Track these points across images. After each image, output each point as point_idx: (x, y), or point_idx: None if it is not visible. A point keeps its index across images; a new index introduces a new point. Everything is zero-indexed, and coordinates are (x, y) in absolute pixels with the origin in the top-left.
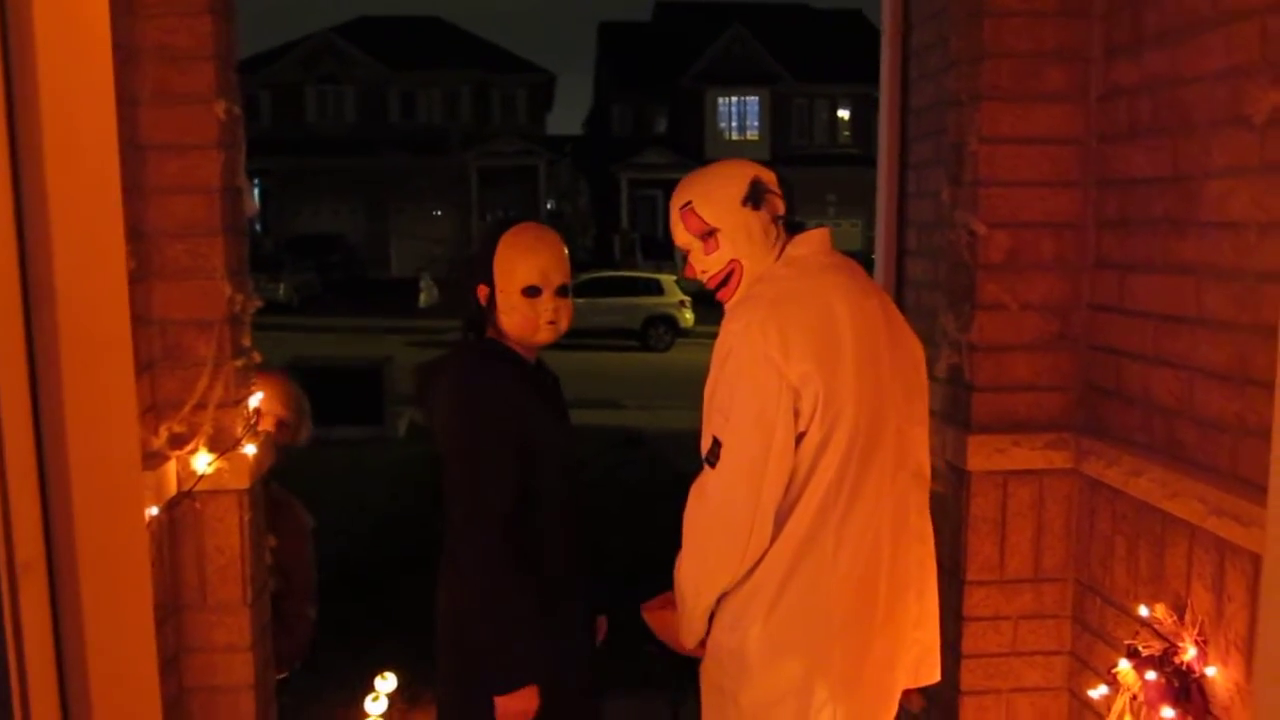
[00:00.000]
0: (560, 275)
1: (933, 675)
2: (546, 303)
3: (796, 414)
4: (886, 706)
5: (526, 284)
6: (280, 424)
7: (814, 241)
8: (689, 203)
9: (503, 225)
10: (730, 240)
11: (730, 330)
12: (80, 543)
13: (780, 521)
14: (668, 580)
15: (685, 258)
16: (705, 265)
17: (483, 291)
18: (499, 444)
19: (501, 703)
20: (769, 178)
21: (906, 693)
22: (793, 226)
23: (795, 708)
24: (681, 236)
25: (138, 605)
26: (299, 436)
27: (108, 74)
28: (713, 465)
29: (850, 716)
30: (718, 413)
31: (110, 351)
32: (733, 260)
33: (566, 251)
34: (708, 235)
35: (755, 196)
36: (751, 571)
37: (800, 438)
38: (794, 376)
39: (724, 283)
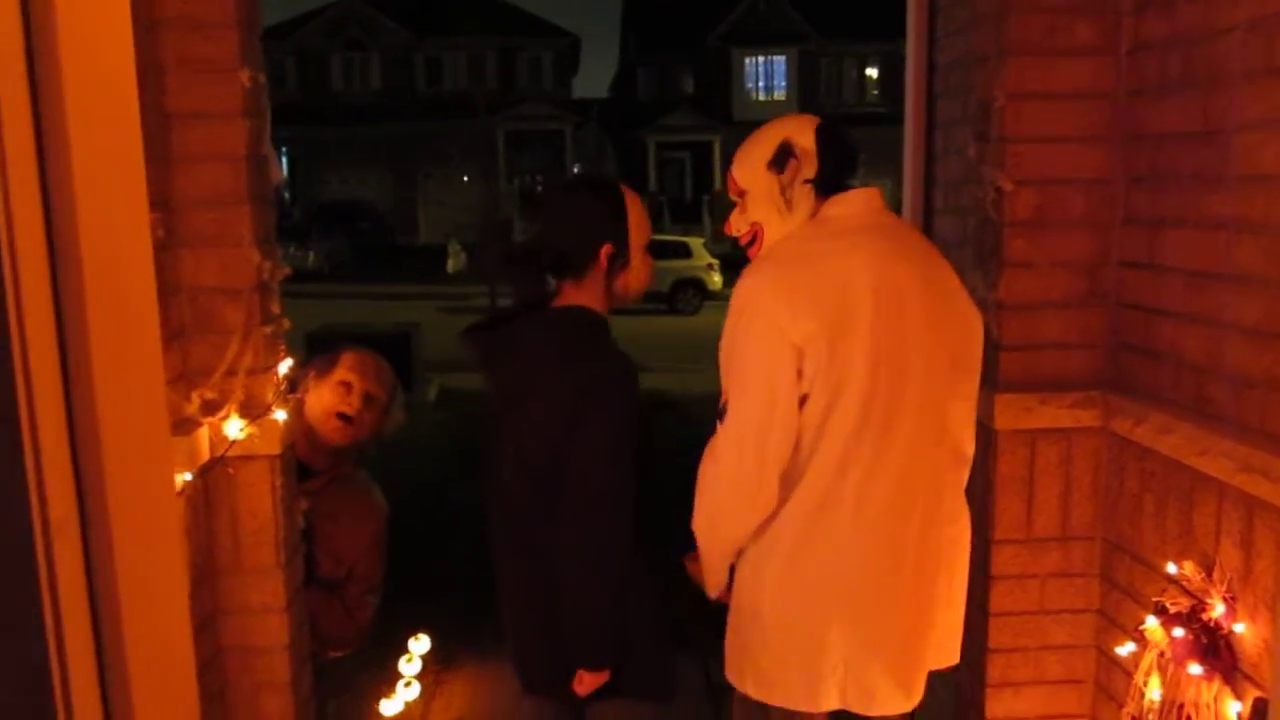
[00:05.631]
0: None
1: (952, 657)
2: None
3: (800, 375)
4: (915, 681)
5: (649, 238)
6: (370, 400)
7: (853, 202)
8: (732, 165)
9: (606, 184)
10: (755, 202)
11: (737, 291)
12: (112, 503)
13: (793, 482)
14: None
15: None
16: (736, 226)
17: (606, 250)
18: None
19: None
20: (802, 139)
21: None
22: (835, 186)
23: (805, 668)
24: (732, 197)
25: (170, 564)
26: (389, 420)
27: (128, 40)
28: (721, 423)
29: (871, 685)
30: (725, 372)
31: (136, 315)
32: (754, 223)
33: None
34: (740, 196)
35: (778, 159)
36: (765, 528)
37: (804, 400)
38: (797, 337)
39: (750, 243)
